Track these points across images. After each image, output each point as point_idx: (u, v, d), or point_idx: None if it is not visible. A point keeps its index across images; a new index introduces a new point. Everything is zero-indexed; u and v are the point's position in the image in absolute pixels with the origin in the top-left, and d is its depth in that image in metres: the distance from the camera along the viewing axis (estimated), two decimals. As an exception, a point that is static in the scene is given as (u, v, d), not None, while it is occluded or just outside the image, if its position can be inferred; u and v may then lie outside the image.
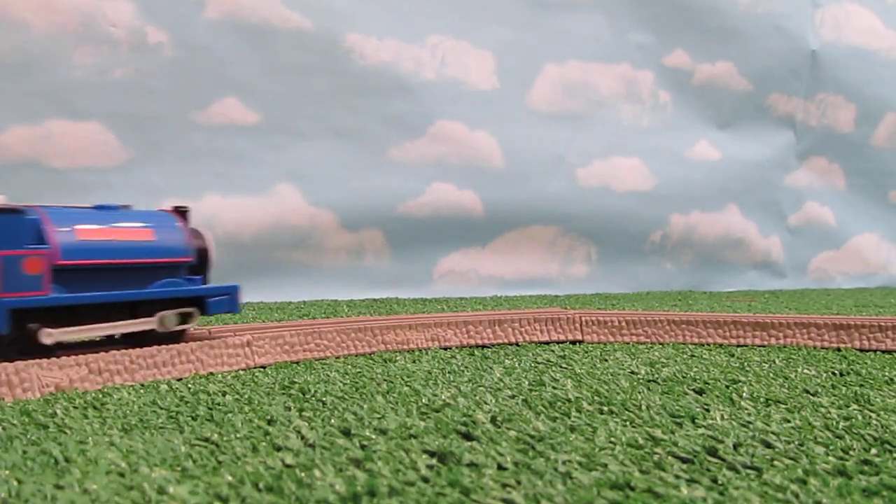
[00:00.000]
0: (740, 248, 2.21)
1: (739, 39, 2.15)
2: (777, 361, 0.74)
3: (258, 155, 1.63)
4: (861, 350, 0.82)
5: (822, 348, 0.83)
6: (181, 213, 0.71)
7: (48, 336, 0.60)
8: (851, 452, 0.40)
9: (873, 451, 0.41)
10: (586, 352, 0.80)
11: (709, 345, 0.86)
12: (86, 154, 1.51)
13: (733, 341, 0.86)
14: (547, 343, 0.86)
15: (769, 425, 0.46)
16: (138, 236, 0.66)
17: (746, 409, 0.51)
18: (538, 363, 0.72)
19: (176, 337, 0.69)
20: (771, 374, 0.66)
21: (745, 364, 0.72)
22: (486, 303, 1.57)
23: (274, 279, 1.65)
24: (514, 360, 0.74)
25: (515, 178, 1.85)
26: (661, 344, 0.86)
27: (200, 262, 0.70)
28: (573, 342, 0.87)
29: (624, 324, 0.89)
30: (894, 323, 0.83)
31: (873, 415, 0.49)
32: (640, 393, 0.57)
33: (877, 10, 2.40)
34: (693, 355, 0.77)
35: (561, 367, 0.70)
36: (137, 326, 0.66)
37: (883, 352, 0.81)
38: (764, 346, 0.84)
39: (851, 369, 0.68)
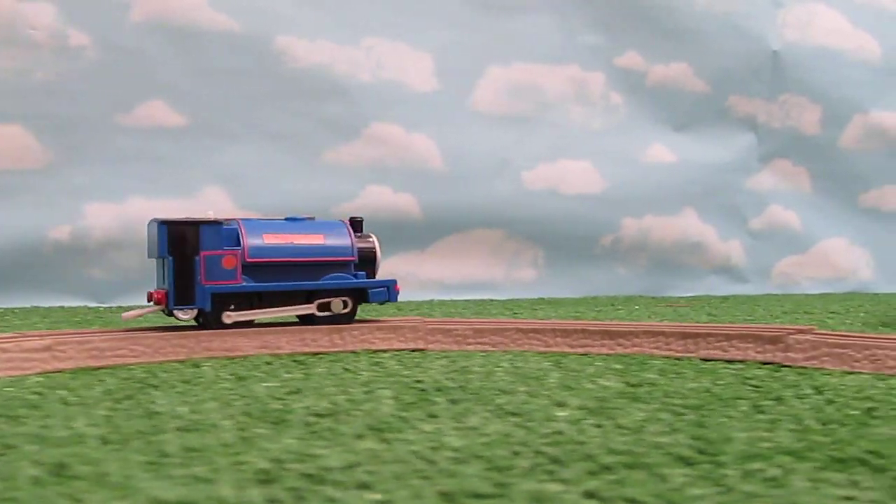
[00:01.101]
0: (698, 252, 2.17)
1: (696, 40, 2.12)
2: (591, 369, 0.71)
3: (185, 158, 1.63)
4: (704, 360, 0.79)
5: (666, 357, 0.80)
6: (357, 222, 0.90)
7: (228, 317, 0.82)
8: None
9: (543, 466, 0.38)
10: (397, 361, 0.78)
11: (551, 353, 0.83)
12: (6, 157, 1.51)
13: (580, 350, 0.84)
14: (384, 352, 0.84)
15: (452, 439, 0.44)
16: (310, 240, 0.86)
17: (446, 422, 0.49)
18: (334, 374, 0.70)
19: (343, 320, 0.86)
20: (557, 387, 0.63)
21: (546, 374, 0.69)
22: (420, 308, 1.55)
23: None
24: (304, 371, 0.72)
25: (456, 181, 1.83)
26: (502, 352, 0.84)
27: (365, 261, 0.88)
28: (412, 350, 0.85)
29: (470, 332, 0.86)
30: (741, 332, 0.80)
31: (597, 432, 0.47)
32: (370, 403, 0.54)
33: (844, 9, 2.36)
34: (513, 364, 0.75)
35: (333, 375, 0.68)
36: (298, 311, 0.85)
37: (727, 361, 0.78)
38: (609, 355, 0.82)
39: (647, 381, 0.66)
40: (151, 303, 0.81)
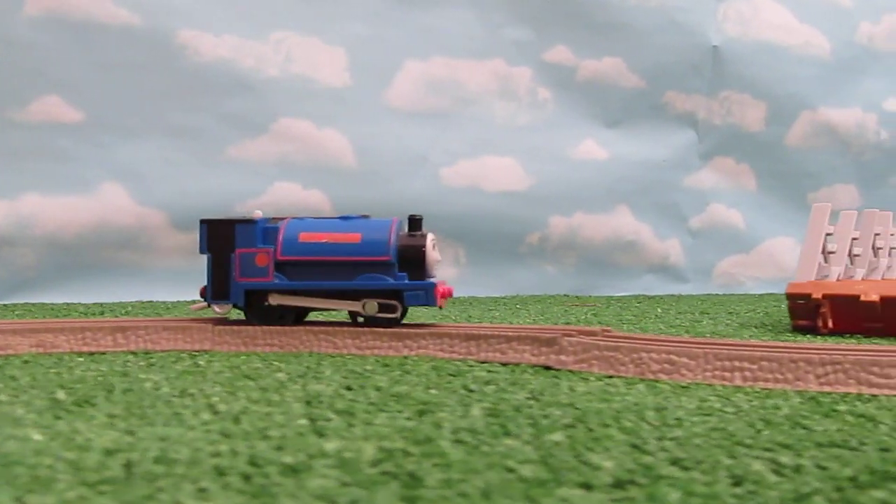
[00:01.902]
0: (633, 251, 2.13)
1: (630, 34, 2.07)
2: (328, 372, 0.68)
3: (82, 154, 1.60)
4: (481, 361, 0.76)
5: (451, 360, 0.77)
6: (415, 220, 0.86)
7: (274, 299, 0.84)
8: None
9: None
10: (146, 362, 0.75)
11: (338, 354, 0.80)
12: None
13: (368, 352, 0.81)
14: (169, 352, 0.82)
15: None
16: (345, 238, 0.84)
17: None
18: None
19: (382, 322, 0.84)
20: (270, 388, 0.60)
21: (269, 375, 0.66)
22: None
23: (102, 280, 1.62)
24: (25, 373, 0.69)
25: (369, 177, 1.80)
26: (278, 353, 0.81)
27: (410, 262, 0.84)
28: (198, 352, 0.83)
29: (259, 333, 0.83)
30: (520, 334, 0.76)
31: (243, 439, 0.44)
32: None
33: (789, 4, 2.31)
34: (237, 366, 0.72)
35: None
36: (336, 307, 0.85)
37: (502, 364, 0.75)
38: (386, 356, 0.79)
39: (364, 385, 0.62)
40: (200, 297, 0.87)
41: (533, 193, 1.98)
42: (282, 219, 0.87)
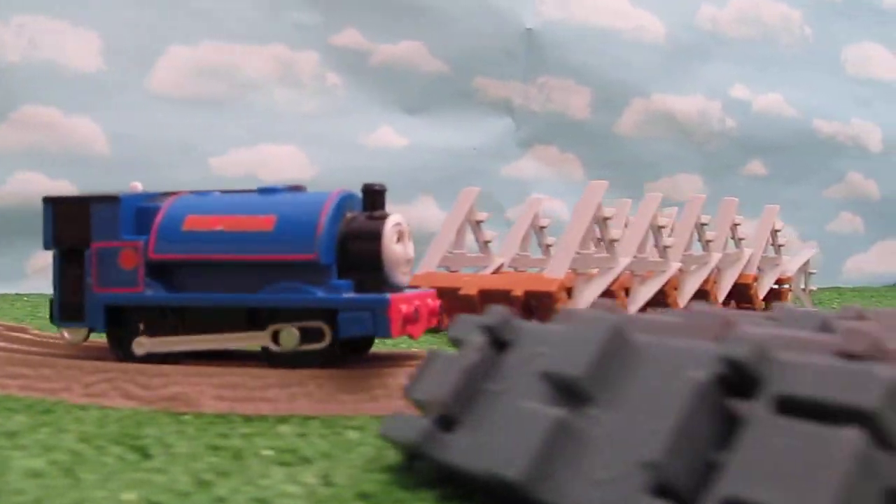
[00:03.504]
0: (439, 242, 2.06)
1: (431, 18, 2.00)
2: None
3: None
4: None
5: None
6: (373, 192, 0.59)
7: (138, 346, 0.58)
8: None
9: None
10: None
11: None
12: None
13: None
14: None
15: None
16: (252, 225, 0.57)
17: None
18: None
19: (305, 361, 0.58)
20: None
21: None
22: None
23: None
24: None
25: (126, 167, 1.73)
26: None
27: (358, 262, 0.57)
28: None
29: None
30: None
31: None
32: None
33: (620, -13, 2.22)
34: None
35: None
36: (239, 342, 0.58)
37: None
38: None
39: None
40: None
41: (318, 182, 1.90)
42: (172, 194, 0.60)
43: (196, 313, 0.56)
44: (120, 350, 0.58)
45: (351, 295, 0.55)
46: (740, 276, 1.33)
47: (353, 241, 0.55)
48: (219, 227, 0.56)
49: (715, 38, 2.37)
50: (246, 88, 1.86)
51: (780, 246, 1.45)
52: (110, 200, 0.57)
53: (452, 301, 0.99)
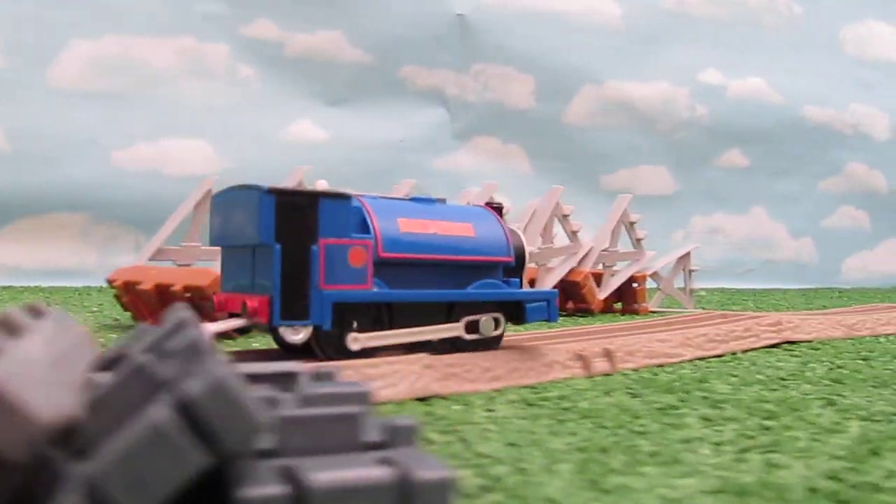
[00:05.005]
0: (364, 238, 1.99)
1: (348, 5, 1.93)
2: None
3: None
4: None
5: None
6: (496, 209, 0.67)
7: (354, 341, 0.59)
8: None
9: None
10: None
11: None
12: None
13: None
14: None
15: None
16: (457, 230, 0.63)
17: None
18: None
19: (488, 344, 0.65)
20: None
21: None
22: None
23: None
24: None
25: (24, 161, 1.74)
26: None
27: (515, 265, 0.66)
28: None
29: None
30: None
31: None
32: None
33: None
34: None
35: None
36: (440, 333, 0.62)
37: None
38: None
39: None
40: (243, 315, 0.55)
41: (228, 177, 1.86)
42: (344, 196, 0.57)
43: (403, 309, 0.60)
44: (328, 347, 0.57)
45: (532, 289, 0.69)
46: (570, 272, 1.21)
47: (519, 247, 0.65)
48: (432, 231, 0.61)
49: (679, 20, 2.21)
50: (152, 82, 1.84)
51: (638, 240, 1.31)
52: (342, 198, 0.56)
53: (136, 297, 0.93)
